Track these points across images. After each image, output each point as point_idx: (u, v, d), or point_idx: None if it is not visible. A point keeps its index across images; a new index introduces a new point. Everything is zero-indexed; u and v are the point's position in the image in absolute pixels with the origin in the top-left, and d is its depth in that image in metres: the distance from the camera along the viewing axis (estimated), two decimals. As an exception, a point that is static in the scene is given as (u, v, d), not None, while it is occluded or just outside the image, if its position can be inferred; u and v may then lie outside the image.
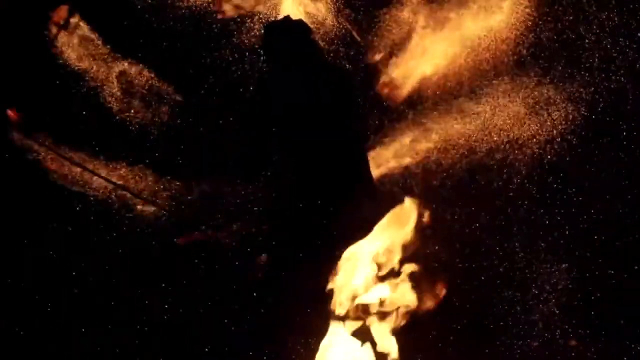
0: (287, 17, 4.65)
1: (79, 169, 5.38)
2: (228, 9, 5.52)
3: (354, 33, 4.97)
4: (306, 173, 4.55)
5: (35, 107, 5.42)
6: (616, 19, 5.28)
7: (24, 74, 5.45)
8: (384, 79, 5.22)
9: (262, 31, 4.75)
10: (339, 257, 3.84)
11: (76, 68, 5.53)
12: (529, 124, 5.35)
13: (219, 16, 5.51)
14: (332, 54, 5.38)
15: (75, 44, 5.53)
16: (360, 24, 5.48)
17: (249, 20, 5.53)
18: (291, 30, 4.57)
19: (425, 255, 5.13)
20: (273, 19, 5.24)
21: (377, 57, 5.41)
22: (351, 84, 4.69)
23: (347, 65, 5.37)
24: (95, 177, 5.38)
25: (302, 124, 4.53)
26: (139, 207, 5.43)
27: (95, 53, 5.55)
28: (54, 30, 5.50)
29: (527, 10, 5.31)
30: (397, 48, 5.41)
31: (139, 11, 5.53)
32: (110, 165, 5.46)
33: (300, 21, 4.64)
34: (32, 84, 5.45)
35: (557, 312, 5.08)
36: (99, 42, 5.56)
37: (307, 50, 4.57)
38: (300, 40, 4.56)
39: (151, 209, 5.41)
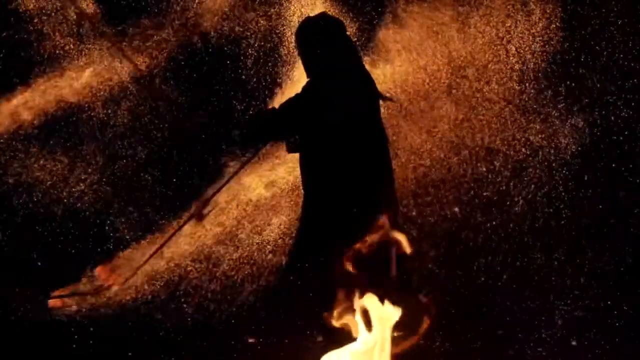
0: (324, 14, 4.62)
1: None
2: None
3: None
4: (336, 171, 4.48)
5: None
6: (628, 28, 5.40)
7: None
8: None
9: (297, 28, 4.64)
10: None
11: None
12: (536, 127, 5.41)
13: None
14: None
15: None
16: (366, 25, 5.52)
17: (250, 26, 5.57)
18: (328, 26, 4.51)
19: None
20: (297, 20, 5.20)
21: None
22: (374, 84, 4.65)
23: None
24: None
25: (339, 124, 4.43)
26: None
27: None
28: None
29: (539, 20, 5.39)
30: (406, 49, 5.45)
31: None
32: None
33: (336, 18, 4.62)
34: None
35: (566, 315, 5.09)
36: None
37: (345, 48, 4.51)
38: (338, 37, 4.50)
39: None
